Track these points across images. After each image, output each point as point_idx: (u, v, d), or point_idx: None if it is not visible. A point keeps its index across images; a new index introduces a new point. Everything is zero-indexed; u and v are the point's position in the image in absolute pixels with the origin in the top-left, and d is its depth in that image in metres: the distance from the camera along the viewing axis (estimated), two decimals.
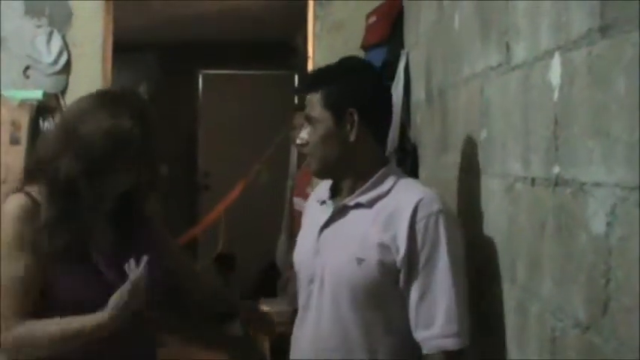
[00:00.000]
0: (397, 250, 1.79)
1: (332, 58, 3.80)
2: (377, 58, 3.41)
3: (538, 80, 1.52)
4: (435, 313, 1.77)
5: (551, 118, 1.44)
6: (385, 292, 1.82)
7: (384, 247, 1.80)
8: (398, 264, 1.79)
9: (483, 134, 1.93)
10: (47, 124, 3.95)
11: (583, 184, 1.30)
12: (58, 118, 3.94)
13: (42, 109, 3.94)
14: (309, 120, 1.92)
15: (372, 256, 1.80)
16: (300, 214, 4.45)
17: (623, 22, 1.16)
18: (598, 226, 1.24)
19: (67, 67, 4.06)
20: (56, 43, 4.02)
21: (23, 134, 3.82)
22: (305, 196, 4.26)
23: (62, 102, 4.01)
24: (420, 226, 1.78)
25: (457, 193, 2.22)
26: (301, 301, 1.97)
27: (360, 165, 1.90)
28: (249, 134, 7.26)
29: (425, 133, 2.82)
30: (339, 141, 1.88)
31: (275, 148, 5.83)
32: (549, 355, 1.45)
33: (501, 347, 1.76)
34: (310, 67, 3.98)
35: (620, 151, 1.16)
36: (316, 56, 3.92)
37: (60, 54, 4.03)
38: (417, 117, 2.98)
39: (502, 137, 1.78)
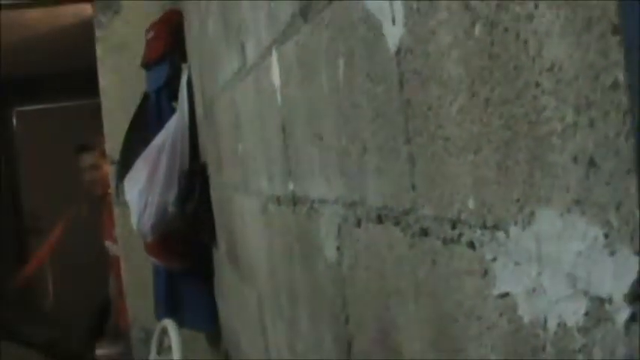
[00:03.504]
0: None
1: (117, 80, 3.55)
2: (159, 74, 3.14)
3: (265, 82, 1.29)
4: None
5: (279, 126, 1.21)
6: None
7: None
8: None
9: (240, 148, 1.69)
10: None
11: (313, 201, 1.08)
12: None
13: None
14: None
15: None
16: (114, 258, 4.15)
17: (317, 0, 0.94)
18: (330, 251, 1.02)
19: None
20: None
21: None
22: (113, 239, 3.96)
23: None
24: None
25: (233, 215, 1.97)
26: None
27: None
28: (74, 168, 6.84)
29: (208, 152, 2.57)
30: None
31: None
32: None
33: None
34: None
35: (334, 159, 0.94)
36: (102, 79, 3.60)
37: None
38: (202, 134, 2.72)
39: (252, 151, 1.54)
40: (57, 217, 6.03)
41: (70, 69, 6.77)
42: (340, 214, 0.94)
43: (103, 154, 4.17)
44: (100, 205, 4.36)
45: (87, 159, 4.24)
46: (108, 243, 4.18)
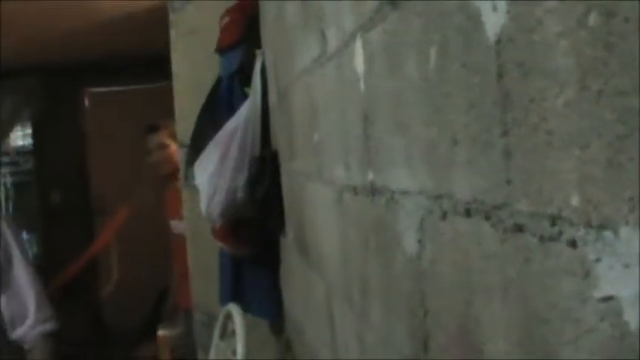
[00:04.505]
0: None
1: (189, 64, 3.57)
2: (233, 60, 3.15)
3: (348, 69, 1.28)
4: (27, 308, 1.87)
5: (361, 114, 1.20)
6: None
7: None
8: None
9: (315, 136, 1.68)
10: None
11: (393, 192, 1.06)
12: None
13: None
14: None
15: None
16: (179, 237, 4.18)
17: None
18: (410, 244, 1.00)
19: None
20: None
21: None
22: (180, 217, 4.00)
23: None
24: None
25: (304, 204, 1.97)
26: None
27: None
28: (141, 150, 6.91)
29: (280, 139, 2.56)
30: None
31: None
32: None
33: None
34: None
35: (420, 150, 0.92)
36: (175, 63, 3.63)
37: None
38: (274, 121, 2.72)
39: (328, 139, 1.53)
40: (122, 199, 6.12)
41: (142, 52, 6.87)
42: (424, 206, 0.92)
43: (170, 134, 4.22)
44: (165, 184, 4.40)
45: (154, 139, 4.29)
46: (173, 222, 4.22)
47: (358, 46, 1.18)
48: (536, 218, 0.63)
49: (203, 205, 2.86)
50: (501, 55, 0.68)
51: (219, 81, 3.25)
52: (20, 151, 8.75)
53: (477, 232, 0.77)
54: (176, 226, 4.17)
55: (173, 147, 4.25)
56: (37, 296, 1.90)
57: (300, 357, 2.49)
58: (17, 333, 1.85)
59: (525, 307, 0.67)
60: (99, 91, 8.05)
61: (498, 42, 0.68)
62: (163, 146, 4.28)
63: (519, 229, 0.67)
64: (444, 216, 0.86)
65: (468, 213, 0.79)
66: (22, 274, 1.86)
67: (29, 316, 1.87)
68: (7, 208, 7.29)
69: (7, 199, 7.65)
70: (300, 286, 2.27)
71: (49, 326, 1.89)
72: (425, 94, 0.89)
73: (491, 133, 0.71)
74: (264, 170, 2.71)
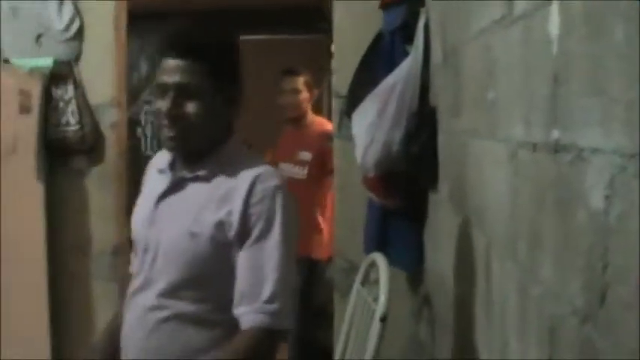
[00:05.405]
0: (231, 226, 1.77)
1: (351, 19, 3.65)
2: (396, 17, 3.21)
3: (538, 32, 1.32)
4: (260, 290, 1.74)
5: (551, 75, 1.25)
6: (219, 269, 1.80)
7: (219, 223, 1.78)
8: (231, 239, 1.77)
9: (490, 95, 1.73)
10: (60, 92, 3.83)
11: (582, 150, 1.11)
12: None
13: (55, 77, 3.81)
14: (191, 90, 1.81)
15: (206, 232, 1.78)
16: (289, 181, 4.28)
17: None
18: (596, 200, 1.05)
19: (79, 34, 3.90)
20: (67, 9, 3.88)
21: (34, 103, 3.70)
22: (290, 161, 4.13)
23: (75, 69, 3.87)
24: (255, 200, 1.77)
25: (467, 161, 2.03)
26: (135, 267, 1.95)
27: (208, 137, 1.87)
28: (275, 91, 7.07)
29: (441, 97, 2.62)
30: (213, 113, 1.85)
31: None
32: (548, 346, 1.27)
33: (501, 332, 1.57)
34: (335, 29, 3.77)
35: (618, 111, 0.97)
36: (336, 17, 3.72)
37: (72, 21, 3.88)
38: (436, 79, 2.78)
39: (506, 98, 1.58)
40: (265, 145, 6.26)
41: (297, 3, 7.00)
42: (616, 164, 0.97)
43: (306, 82, 4.34)
44: (284, 127, 4.52)
45: (290, 82, 4.40)
46: (283, 165, 4.32)
47: (554, 10, 1.23)
48: None
49: (358, 153, 2.96)
50: None
51: (380, 36, 3.32)
52: None
53: None
54: (285, 170, 4.28)
55: (305, 95, 4.38)
56: (278, 284, 1.74)
57: (442, 310, 2.57)
58: (238, 311, 1.76)
59: None
60: (248, 38, 8.23)
61: None
62: (297, 91, 4.39)
63: None
64: (638, 174, 0.91)
65: None
66: (272, 253, 1.74)
67: (258, 299, 1.74)
68: (152, 146, 7.57)
69: (153, 137, 7.95)
70: (451, 242, 2.34)
71: (270, 321, 1.74)
72: (629, 59, 0.94)
73: None
74: (421, 126, 2.78)
